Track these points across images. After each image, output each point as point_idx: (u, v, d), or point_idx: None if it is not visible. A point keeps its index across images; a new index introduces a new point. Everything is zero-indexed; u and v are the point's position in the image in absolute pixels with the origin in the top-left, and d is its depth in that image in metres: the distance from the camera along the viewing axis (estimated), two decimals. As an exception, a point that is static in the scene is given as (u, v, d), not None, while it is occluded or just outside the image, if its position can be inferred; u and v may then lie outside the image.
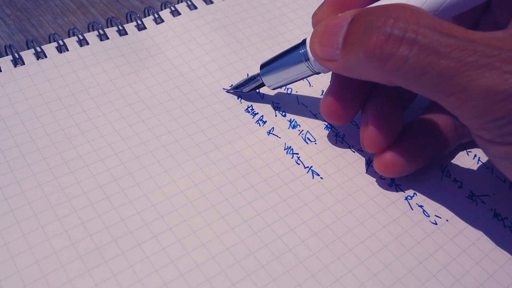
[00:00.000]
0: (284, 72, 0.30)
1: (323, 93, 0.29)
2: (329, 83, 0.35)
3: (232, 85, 0.34)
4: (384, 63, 0.22)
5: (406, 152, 0.28)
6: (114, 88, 0.32)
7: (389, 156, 0.28)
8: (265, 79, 0.31)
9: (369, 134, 0.28)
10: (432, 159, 0.29)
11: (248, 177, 0.29)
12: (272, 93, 0.34)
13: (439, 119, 0.29)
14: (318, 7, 0.28)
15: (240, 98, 0.33)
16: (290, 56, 0.29)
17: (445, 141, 0.29)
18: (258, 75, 0.32)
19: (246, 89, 0.32)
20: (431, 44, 0.21)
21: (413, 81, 0.22)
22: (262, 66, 0.31)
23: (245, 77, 0.34)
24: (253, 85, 0.32)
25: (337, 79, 0.28)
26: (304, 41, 0.28)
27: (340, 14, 0.25)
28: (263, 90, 0.34)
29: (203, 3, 0.39)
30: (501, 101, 0.20)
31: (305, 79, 0.35)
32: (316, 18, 0.28)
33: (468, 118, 0.22)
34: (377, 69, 0.23)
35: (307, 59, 0.28)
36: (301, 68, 0.29)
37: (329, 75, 0.35)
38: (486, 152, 0.24)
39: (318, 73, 0.28)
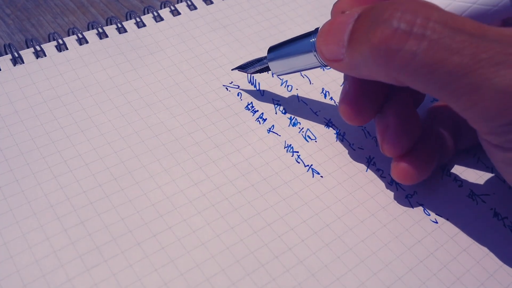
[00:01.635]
0: (291, 60, 0.29)
1: (342, 87, 0.28)
2: (331, 81, 0.35)
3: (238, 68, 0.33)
4: (390, 60, 0.21)
5: (421, 160, 0.27)
6: (113, 86, 0.32)
7: (406, 164, 0.27)
8: (271, 64, 0.30)
9: (390, 138, 0.26)
10: (437, 167, 0.29)
11: (248, 176, 0.29)
12: (272, 90, 0.34)
13: (441, 126, 0.29)
14: None
15: (240, 95, 0.33)
16: (300, 44, 0.28)
17: (448, 148, 0.29)
18: (264, 58, 0.31)
19: (251, 70, 0.32)
20: (442, 40, 0.20)
21: (421, 79, 0.21)
22: (270, 50, 0.30)
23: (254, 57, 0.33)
24: (258, 67, 0.31)
25: (353, 79, 0.27)
26: (316, 30, 0.27)
27: (347, 12, 0.24)
28: (263, 87, 0.34)
29: (203, 3, 0.39)
30: None
31: (306, 77, 0.35)
32: (335, 8, 0.27)
33: (478, 121, 0.21)
34: (383, 66, 0.22)
35: (316, 50, 0.27)
36: (310, 58, 0.27)
37: (333, 72, 0.35)
38: (491, 157, 0.23)
39: (326, 65, 0.27)
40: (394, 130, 0.26)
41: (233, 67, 0.33)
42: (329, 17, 0.27)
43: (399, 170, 0.27)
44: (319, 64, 0.28)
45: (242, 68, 0.33)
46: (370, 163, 0.30)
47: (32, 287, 0.23)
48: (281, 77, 0.33)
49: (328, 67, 0.28)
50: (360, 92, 0.27)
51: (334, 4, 0.27)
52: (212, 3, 0.39)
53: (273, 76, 0.34)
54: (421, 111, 0.30)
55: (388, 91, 0.28)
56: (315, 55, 0.27)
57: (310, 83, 0.34)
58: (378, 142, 0.27)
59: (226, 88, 0.33)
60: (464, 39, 0.19)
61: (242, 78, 0.34)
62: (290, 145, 0.31)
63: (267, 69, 0.31)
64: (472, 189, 0.29)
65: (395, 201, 0.28)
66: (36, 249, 0.24)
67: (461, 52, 0.19)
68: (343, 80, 0.29)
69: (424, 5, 0.21)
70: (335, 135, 0.31)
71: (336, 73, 0.35)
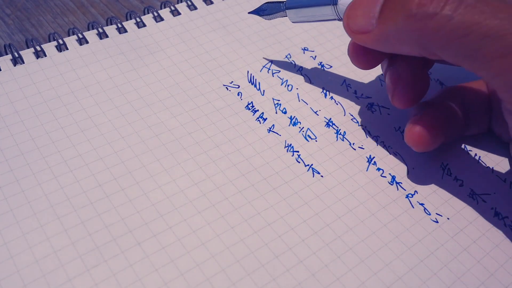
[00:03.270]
0: (309, 10, 0.29)
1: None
2: (331, 81, 0.35)
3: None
4: (425, 24, 0.21)
5: (433, 126, 0.27)
6: (113, 86, 0.32)
7: (420, 127, 0.27)
8: (289, 12, 0.31)
9: (403, 88, 0.27)
10: (449, 139, 0.29)
11: (248, 175, 0.29)
12: (272, 89, 0.33)
13: (452, 103, 0.29)
14: None
15: (240, 95, 0.33)
16: None
17: (458, 122, 0.29)
18: (283, 3, 0.31)
19: (267, 16, 0.32)
20: (478, 3, 0.20)
21: (454, 43, 0.21)
22: None
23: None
24: (276, 14, 0.32)
25: None
26: None
27: None
28: (263, 86, 0.33)
29: (203, 3, 0.39)
30: None
31: (306, 76, 0.35)
32: None
33: (507, 89, 0.21)
34: (417, 33, 0.22)
35: (335, 4, 0.28)
36: (327, 10, 0.28)
37: (333, 72, 0.35)
38: None
39: (341, 19, 0.28)
40: (406, 81, 0.27)
41: (252, 11, 0.33)
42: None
43: (413, 133, 0.27)
44: (336, 18, 0.28)
45: (258, 12, 0.33)
46: (370, 162, 0.30)
47: (32, 287, 0.23)
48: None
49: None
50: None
51: None
52: (212, 3, 0.39)
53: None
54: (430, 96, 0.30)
55: None
56: (333, 10, 0.28)
57: (311, 83, 0.34)
58: (388, 94, 0.28)
59: (226, 87, 0.33)
60: (499, 4, 0.20)
61: (242, 78, 0.34)
62: (291, 144, 0.31)
63: (283, 15, 0.31)
64: (472, 189, 0.29)
65: (396, 201, 0.28)
66: (36, 249, 0.24)
67: (497, 15, 0.20)
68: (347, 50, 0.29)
69: None
70: (336, 134, 0.31)
71: (336, 73, 0.35)
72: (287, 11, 0.31)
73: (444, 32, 0.21)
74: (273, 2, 0.32)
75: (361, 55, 0.28)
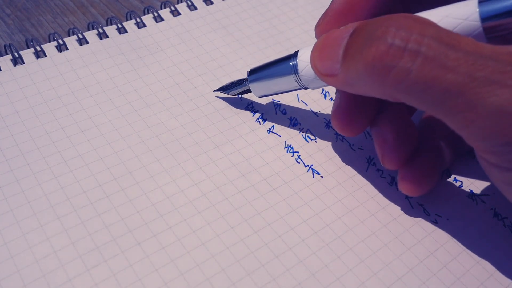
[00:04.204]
0: (272, 82, 0.29)
1: (332, 103, 0.28)
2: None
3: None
4: (384, 76, 0.21)
5: (424, 172, 0.27)
6: (113, 86, 0.32)
7: (410, 178, 0.27)
8: (252, 86, 0.30)
9: (390, 152, 0.26)
10: (440, 174, 0.29)
11: (248, 176, 0.29)
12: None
13: (438, 135, 0.28)
14: (321, 18, 0.27)
15: (240, 95, 0.33)
16: (280, 66, 0.28)
17: (448, 155, 0.29)
18: (245, 79, 0.31)
19: (232, 92, 0.32)
20: (437, 57, 0.19)
21: (416, 96, 0.20)
22: (251, 72, 0.30)
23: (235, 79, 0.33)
24: (240, 90, 0.31)
25: (345, 92, 0.27)
26: (296, 53, 0.27)
27: (342, 27, 0.24)
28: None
29: (203, 3, 0.39)
30: None
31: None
32: (319, 29, 0.27)
33: (475, 140, 0.20)
34: (378, 83, 0.21)
35: (296, 72, 0.27)
36: (290, 80, 0.28)
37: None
38: (490, 175, 0.23)
39: (306, 88, 0.28)
40: (392, 144, 0.26)
41: (215, 89, 0.33)
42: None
43: (406, 186, 0.27)
44: (299, 87, 0.28)
45: (224, 89, 0.32)
46: (370, 163, 0.30)
47: (32, 287, 0.23)
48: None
49: (309, 89, 0.28)
50: (352, 104, 0.27)
51: (315, 27, 0.27)
52: (212, 3, 0.40)
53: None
54: (416, 120, 0.30)
55: (381, 102, 0.27)
56: (295, 79, 0.27)
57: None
58: (378, 156, 0.27)
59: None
60: (459, 56, 0.19)
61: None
62: (290, 145, 0.31)
63: (248, 91, 0.31)
64: (472, 189, 0.29)
65: (395, 201, 0.28)
66: (36, 249, 0.24)
67: (456, 69, 0.19)
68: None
69: (419, 21, 0.20)
70: (335, 135, 0.31)
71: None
72: (250, 85, 0.30)
73: (404, 85, 0.20)
74: (236, 80, 0.32)
75: (345, 124, 0.27)
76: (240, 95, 0.32)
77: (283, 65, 0.28)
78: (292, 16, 0.40)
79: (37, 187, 0.27)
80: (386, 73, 0.21)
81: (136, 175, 0.28)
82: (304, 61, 0.27)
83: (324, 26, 0.26)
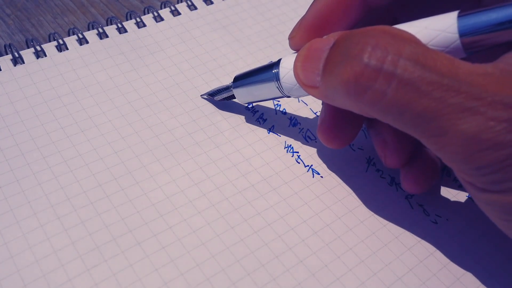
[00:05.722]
0: (255, 88, 0.29)
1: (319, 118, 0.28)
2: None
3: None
4: (360, 96, 0.21)
5: (426, 168, 0.27)
6: (113, 86, 0.32)
7: (413, 176, 0.27)
8: (236, 92, 0.30)
9: (391, 152, 0.26)
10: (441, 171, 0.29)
11: (248, 176, 0.29)
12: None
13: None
14: (294, 29, 0.26)
15: (225, 101, 0.33)
16: (263, 74, 0.28)
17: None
18: (230, 86, 0.31)
19: (217, 97, 0.32)
20: (411, 80, 0.19)
21: (392, 117, 0.20)
22: (236, 79, 0.30)
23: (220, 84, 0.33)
24: (225, 95, 0.31)
25: (329, 105, 0.27)
26: (278, 61, 0.27)
27: (325, 36, 0.24)
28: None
29: (203, 3, 0.39)
30: (484, 150, 0.19)
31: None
32: (293, 42, 0.26)
33: (450, 162, 0.21)
34: (354, 102, 0.21)
35: (278, 80, 0.27)
36: (272, 88, 0.28)
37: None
38: (469, 193, 0.22)
39: (288, 96, 0.28)
40: (392, 145, 0.26)
41: (202, 94, 0.33)
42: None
43: (408, 183, 0.27)
44: (281, 95, 0.28)
45: (211, 95, 0.32)
46: (370, 163, 0.30)
47: (32, 287, 0.23)
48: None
49: (291, 97, 0.28)
50: (337, 117, 0.27)
51: (289, 38, 0.27)
52: (212, 3, 0.40)
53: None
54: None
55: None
56: (277, 86, 0.27)
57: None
58: (379, 157, 0.27)
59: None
60: (434, 80, 0.19)
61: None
62: (290, 145, 0.31)
63: (232, 97, 0.31)
64: (472, 189, 0.29)
65: (395, 202, 0.28)
66: (36, 249, 0.24)
67: (431, 94, 0.19)
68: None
69: (396, 37, 0.20)
70: (335, 135, 0.31)
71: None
72: (234, 91, 0.30)
73: (380, 106, 0.20)
74: (222, 87, 0.32)
75: (332, 137, 0.27)
76: (225, 101, 0.32)
77: (266, 72, 0.28)
78: (292, 16, 0.40)
79: (37, 187, 0.27)
80: (362, 93, 0.20)
81: (136, 175, 0.28)
82: (286, 68, 0.27)
83: (297, 40, 0.26)
